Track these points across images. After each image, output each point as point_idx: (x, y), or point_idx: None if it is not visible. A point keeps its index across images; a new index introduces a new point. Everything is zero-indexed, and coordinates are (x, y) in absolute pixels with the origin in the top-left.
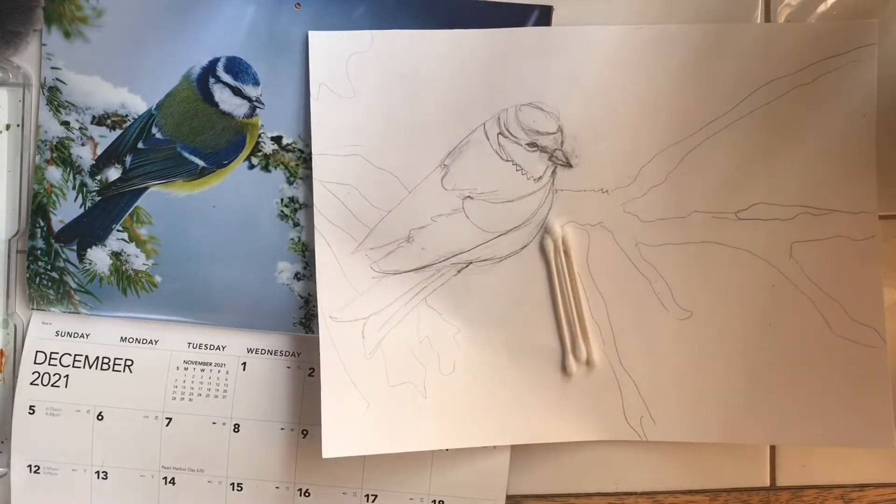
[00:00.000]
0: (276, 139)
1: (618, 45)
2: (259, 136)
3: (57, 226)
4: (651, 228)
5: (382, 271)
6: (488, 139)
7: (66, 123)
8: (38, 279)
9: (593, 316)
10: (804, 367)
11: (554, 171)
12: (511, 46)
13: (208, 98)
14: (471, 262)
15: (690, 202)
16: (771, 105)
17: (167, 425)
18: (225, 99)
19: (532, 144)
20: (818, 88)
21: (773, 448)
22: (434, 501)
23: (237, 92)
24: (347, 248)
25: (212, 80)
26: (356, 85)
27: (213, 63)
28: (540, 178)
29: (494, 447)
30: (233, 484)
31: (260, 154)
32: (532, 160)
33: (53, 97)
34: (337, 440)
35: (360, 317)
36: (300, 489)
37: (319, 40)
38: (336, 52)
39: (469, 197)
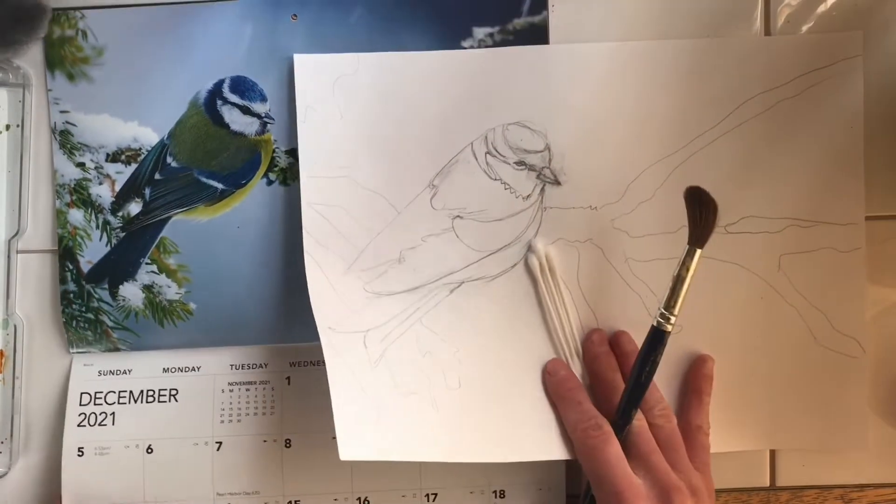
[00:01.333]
0: (291, 152)
1: (604, 62)
2: (273, 151)
3: (86, 267)
4: (640, 244)
5: (375, 292)
6: (476, 158)
7: (81, 164)
8: (74, 322)
9: (585, 332)
10: (789, 376)
11: (542, 189)
12: (497, 66)
13: (218, 120)
14: (462, 282)
15: (679, 217)
16: (757, 119)
17: (218, 450)
18: (235, 119)
19: (520, 163)
20: (804, 101)
21: (773, 448)
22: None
23: (246, 110)
24: (339, 269)
25: (219, 102)
26: (343, 107)
27: (219, 85)
28: (528, 196)
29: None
30: (290, 502)
31: (277, 169)
32: (520, 179)
33: (66, 140)
34: (353, 443)
35: (359, 329)
36: (359, 498)
37: (305, 63)
38: (322, 75)
39: (459, 216)
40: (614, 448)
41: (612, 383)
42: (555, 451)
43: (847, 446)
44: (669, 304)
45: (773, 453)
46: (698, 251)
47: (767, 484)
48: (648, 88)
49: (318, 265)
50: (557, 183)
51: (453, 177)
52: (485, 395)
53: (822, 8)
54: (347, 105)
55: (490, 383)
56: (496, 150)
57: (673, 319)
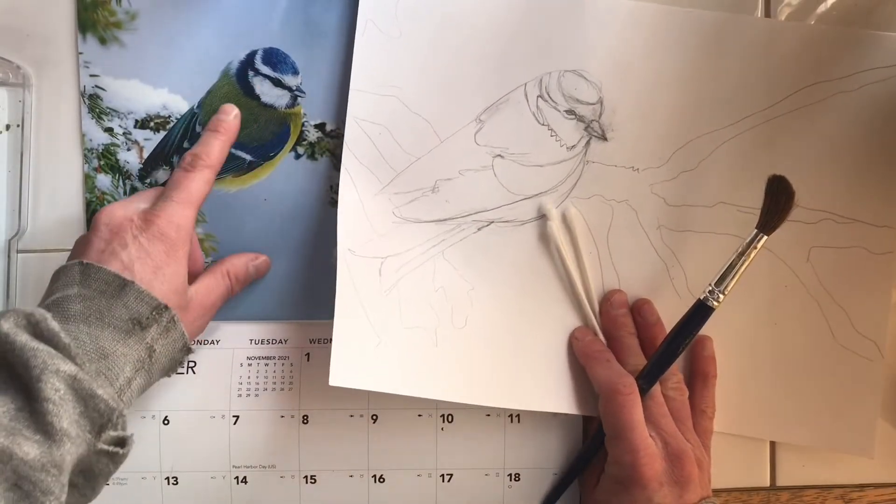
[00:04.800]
0: (320, 126)
1: (669, 26)
2: (302, 124)
3: None
4: (676, 213)
5: (403, 217)
6: (527, 100)
7: (109, 130)
8: None
9: (606, 292)
10: (803, 369)
11: (588, 142)
12: (565, 11)
13: (249, 92)
14: (492, 222)
15: (718, 193)
16: (811, 107)
17: (235, 423)
18: (265, 91)
19: (570, 112)
20: (860, 97)
21: (773, 448)
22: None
23: (277, 83)
24: (372, 189)
25: (251, 74)
26: (403, 26)
27: (251, 56)
28: (573, 146)
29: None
30: (306, 477)
31: (305, 143)
32: (568, 128)
33: (94, 105)
34: (345, 371)
35: (378, 255)
36: (374, 475)
37: None
38: None
39: (500, 156)
40: (638, 410)
41: (628, 347)
42: (551, 404)
43: (852, 450)
44: (722, 282)
45: (773, 453)
46: (765, 237)
47: (767, 484)
48: (708, 60)
49: (352, 181)
50: (604, 138)
51: (501, 115)
52: (488, 338)
53: (822, 8)
54: (408, 24)
55: (496, 328)
56: (549, 95)
57: (722, 298)
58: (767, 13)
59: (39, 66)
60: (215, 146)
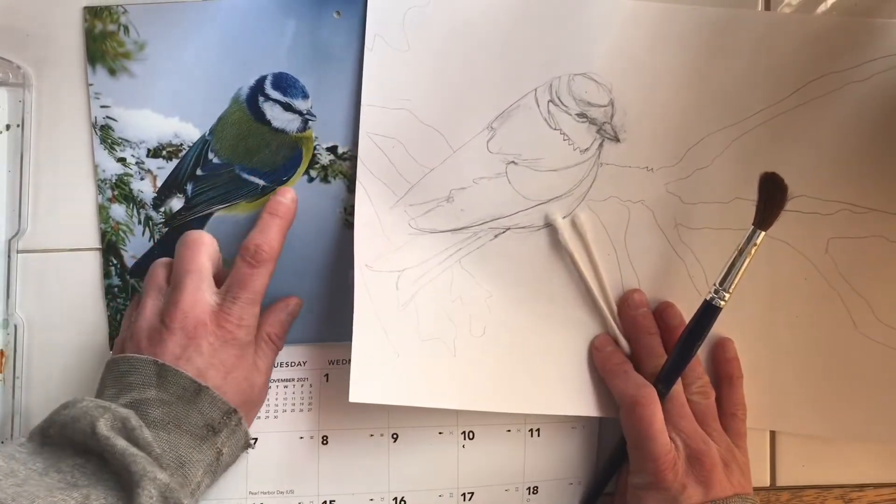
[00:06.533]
0: (332, 149)
1: (675, 24)
2: (314, 148)
3: (130, 262)
4: (692, 211)
5: (420, 229)
6: (538, 106)
7: (122, 160)
8: (118, 317)
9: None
10: (826, 360)
11: (601, 145)
12: (571, 15)
13: (260, 117)
14: (508, 229)
15: (734, 188)
16: (822, 99)
17: (253, 446)
18: (276, 115)
19: (582, 115)
20: (871, 86)
21: (773, 448)
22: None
23: (287, 107)
24: (387, 203)
25: (261, 99)
26: (411, 39)
27: (261, 81)
28: (586, 149)
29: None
30: (325, 502)
31: (318, 166)
32: (580, 131)
33: (106, 135)
34: (364, 387)
35: (395, 269)
36: (395, 498)
37: None
38: (394, 5)
39: (513, 162)
40: (658, 418)
41: (648, 347)
42: (572, 407)
43: (883, 439)
44: (725, 281)
45: (773, 453)
46: (762, 233)
47: (767, 484)
48: (716, 57)
49: (368, 196)
50: (617, 140)
51: (513, 122)
52: (507, 345)
53: (822, 7)
54: (416, 37)
55: (515, 334)
56: (559, 100)
57: (727, 297)
58: (767, 6)
59: (39, 66)
60: (275, 234)
